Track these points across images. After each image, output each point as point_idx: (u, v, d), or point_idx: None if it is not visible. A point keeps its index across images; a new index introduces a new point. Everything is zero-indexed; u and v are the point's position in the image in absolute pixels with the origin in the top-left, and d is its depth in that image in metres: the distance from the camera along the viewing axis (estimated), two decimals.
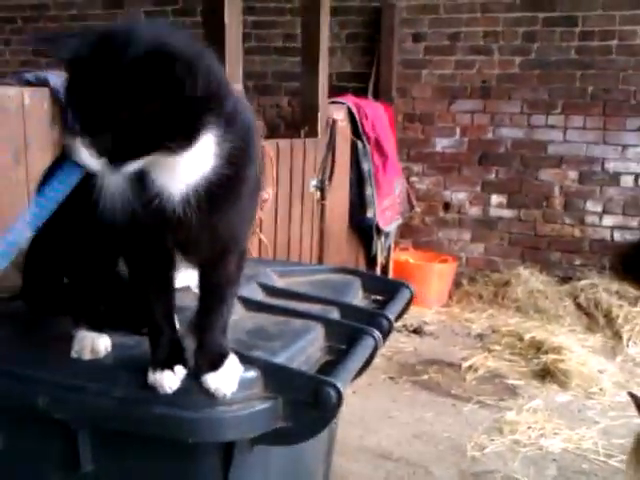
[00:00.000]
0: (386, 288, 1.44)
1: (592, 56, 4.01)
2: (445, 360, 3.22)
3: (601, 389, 2.85)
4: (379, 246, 3.81)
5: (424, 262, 4.28)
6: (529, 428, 2.49)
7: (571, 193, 4.17)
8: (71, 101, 0.76)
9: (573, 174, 4.15)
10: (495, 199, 4.33)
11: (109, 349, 0.99)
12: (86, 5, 4.99)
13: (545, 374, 2.99)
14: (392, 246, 4.11)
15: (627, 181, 4.06)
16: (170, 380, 0.89)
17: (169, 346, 0.93)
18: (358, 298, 1.40)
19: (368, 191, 3.57)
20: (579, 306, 3.79)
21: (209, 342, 0.94)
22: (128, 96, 0.73)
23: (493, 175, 4.32)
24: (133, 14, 4.87)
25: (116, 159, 0.76)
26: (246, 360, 0.94)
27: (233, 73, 2.19)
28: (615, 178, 4.08)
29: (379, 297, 1.41)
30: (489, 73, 4.23)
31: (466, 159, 4.35)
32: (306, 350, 1.07)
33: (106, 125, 0.74)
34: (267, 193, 2.53)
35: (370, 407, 2.67)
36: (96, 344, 0.98)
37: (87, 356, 0.97)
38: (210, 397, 0.89)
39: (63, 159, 0.83)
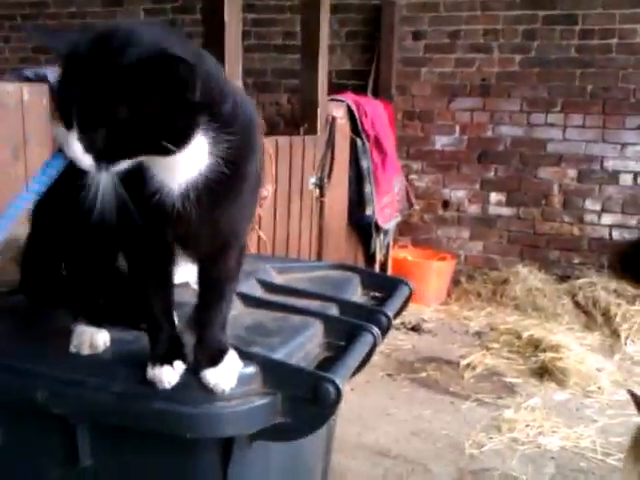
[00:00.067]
0: (385, 285, 1.44)
1: (592, 54, 4.00)
2: (443, 358, 3.22)
3: (599, 387, 2.85)
4: (378, 244, 3.81)
5: (423, 260, 4.28)
6: (527, 426, 2.49)
7: (570, 191, 4.17)
8: (67, 95, 0.76)
9: (572, 172, 4.15)
10: (494, 197, 4.33)
11: (108, 344, 0.99)
12: (85, 2, 4.98)
13: (543, 372, 2.99)
14: (391, 244, 4.11)
15: (626, 180, 4.06)
16: (169, 375, 0.90)
17: (168, 341, 0.93)
18: (357, 295, 1.40)
19: (367, 189, 3.57)
20: (577, 304, 3.79)
21: (208, 338, 0.94)
22: (129, 94, 0.73)
23: (492, 173, 4.32)
24: (132, 12, 4.87)
25: (107, 156, 0.76)
26: (245, 356, 0.94)
27: (233, 70, 2.19)
28: (614, 177, 4.08)
29: (378, 294, 1.41)
30: (489, 71, 4.23)
31: (465, 157, 4.35)
32: (305, 346, 1.07)
33: (102, 121, 0.73)
34: (266, 190, 2.53)
35: (368, 404, 2.68)
36: (95, 339, 0.98)
37: (86, 351, 0.97)
38: (209, 393, 0.89)
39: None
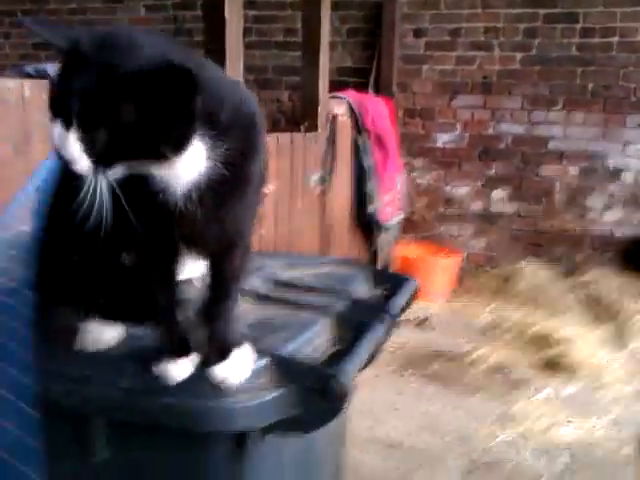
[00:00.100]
0: (390, 281, 1.44)
1: (593, 53, 4.00)
2: (450, 353, 3.20)
3: (609, 380, 2.84)
4: (380, 241, 3.81)
5: (429, 256, 4.27)
6: (539, 419, 2.48)
7: (572, 189, 4.17)
8: (68, 92, 0.74)
9: (574, 170, 4.15)
10: (496, 194, 4.33)
11: (116, 340, 0.99)
12: None
13: (551, 366, 2.98)
14: (394, 241, 4.10)
15: (628, 177, 4.07)
16: (178, 370, 0.90)
17: (176, 337, 0.93)
18: (364, 291, 1.40)
19: (369, 186, 3.57)
20: (582, 300, 3.78)
21: (217, 333, 0.94)
22: (132, 98, 0.73)
23: (494, 171, 4.32)
24: (133, 8, 4.86)
25: (104, 159, 0.75)
26: (254, 351, 0.94)
27: (234, 67, 2.18)
28: (616, 174, 4.08)
29: (384, 290, 1.41)
30: (490, 69, 4.22)
31: (467, 154, 4.35)
32: (313, 341, 1.07)
33: (104, 121, 0.73)
34: (267, 188, 2.52)
35: (376, 399, 2.66)
36: (103, 335, 0.98)
37: (93, 347, 0.97)
38: (218, 387, 0.89)
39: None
